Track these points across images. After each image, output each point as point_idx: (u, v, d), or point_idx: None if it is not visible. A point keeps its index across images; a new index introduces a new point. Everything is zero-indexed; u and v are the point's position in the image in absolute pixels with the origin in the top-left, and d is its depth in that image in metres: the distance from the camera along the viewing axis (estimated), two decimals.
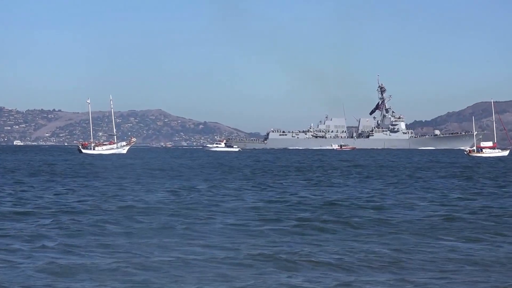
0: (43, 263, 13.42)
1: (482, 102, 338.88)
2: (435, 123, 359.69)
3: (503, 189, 34.33)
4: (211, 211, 22.57)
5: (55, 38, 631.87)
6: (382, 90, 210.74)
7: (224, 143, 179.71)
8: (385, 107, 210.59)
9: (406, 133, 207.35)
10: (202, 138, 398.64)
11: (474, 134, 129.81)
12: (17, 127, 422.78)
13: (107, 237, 16.77)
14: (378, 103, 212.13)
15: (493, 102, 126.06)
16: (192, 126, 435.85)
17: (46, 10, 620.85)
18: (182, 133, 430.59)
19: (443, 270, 13.23)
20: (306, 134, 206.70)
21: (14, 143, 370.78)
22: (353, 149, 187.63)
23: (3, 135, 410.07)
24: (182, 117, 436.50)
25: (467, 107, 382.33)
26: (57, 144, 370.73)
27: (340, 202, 26.15)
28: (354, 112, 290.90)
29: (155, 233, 17.46)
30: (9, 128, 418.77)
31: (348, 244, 16.17)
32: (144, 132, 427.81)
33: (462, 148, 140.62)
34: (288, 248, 15.39)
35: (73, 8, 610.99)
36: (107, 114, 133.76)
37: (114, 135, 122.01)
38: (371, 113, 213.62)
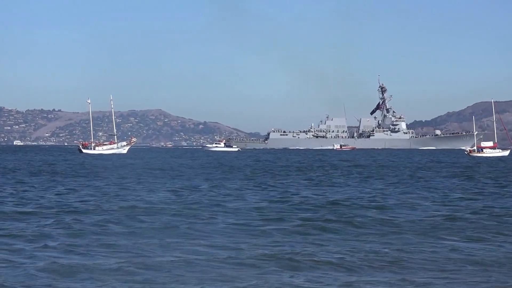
0: (45, 263, 13.42)
1: (482, 102, 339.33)
2: (435, 123, 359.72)
3: (505, 189, 34.33)
4: (213, 211, 22.57)
5: (55, 38, 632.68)
6: (382, 90, 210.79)
7: (224, 143, 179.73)
8: (386, 107, 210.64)
9: (407, 133, 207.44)
10: (202, 138, 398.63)
11: (475, 134, 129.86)
12: (17, 127, 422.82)
13: (109, 237, 16.77)
14: (379, 103, 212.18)
15: (493, 102, 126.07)
16: (192, 126, 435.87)
17: (46, 10, 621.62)
18: (182, 133, 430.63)
19: (445, 270, 13.24)
20: (307, 134, 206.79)
21: (14, 143, 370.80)
22: (353, 149, 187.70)
23: (3, 135, 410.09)
24: (182, 117, 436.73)
25: (467, 107, 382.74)
26: (57, 144, 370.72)
27: (342, 202, 26.14)
28: (355, 112, 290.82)
29: (157, 233, 17.46)
30: (9, 128, 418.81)
31: (350, 243, 16.19)
32: (144, 132, 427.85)
33: (462, 148, 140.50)
34: (290, 248, 15.39)
35: (73, 8, 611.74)
36: (107, 114, 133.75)
37: (114, 135, 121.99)
38: (371, 113, 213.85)
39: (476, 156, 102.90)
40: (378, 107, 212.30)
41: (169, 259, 13.82)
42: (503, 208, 24.28)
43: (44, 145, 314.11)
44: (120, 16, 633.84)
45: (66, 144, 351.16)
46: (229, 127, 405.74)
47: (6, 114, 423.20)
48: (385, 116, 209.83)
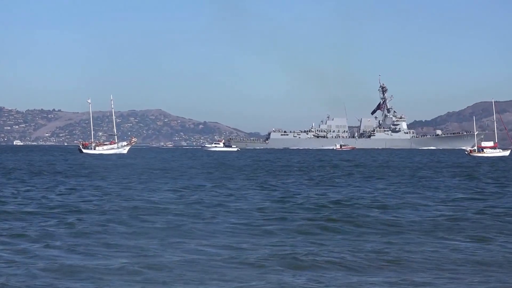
0: (47, 262, 13.43)
1: (482, 102, 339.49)
2: (435, 123, 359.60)
3: (506, 189, 34.33)
4: (215, 211, 22.58)
5: (55, 38, 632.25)
6: (383, 90, 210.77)
7: (223, 143, 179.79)
8: (387, 107, 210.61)
9: (407, 133, 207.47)
10: (202, 138, 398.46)
11: (475, 134, 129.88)
12: (17, 127, 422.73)
13: (111, 237, 16.78)
14: (380, 103, 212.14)
15: (494, 102, 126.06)
16: (192, 126, 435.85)
17: (46, 10, 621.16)
18: (182, 133, 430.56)
19: (445, 270, 13.27)
20: (307, 134, 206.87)
21: (14, 143, 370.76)
22: (353, 148, 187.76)
23: (3, 135, 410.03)
24: (182, 117, 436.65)
25: (467, 107, 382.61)
26: (57, 144, 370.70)
27: (344, 202, 26.14)
28: (355, 112, 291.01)
29: (160, 233, 17.46)
30: (9, 128, 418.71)
31: (351, 243, 16.21)
32: (144, 132, 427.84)
33: (463, 148, 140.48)
34: (292, 247, 15.43)
35: (73, 8, 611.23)
36: (107, 114, 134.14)
37: (114, 135, 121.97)
38: (372, 113, 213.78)
39: (477, 156, 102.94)
40: (378, 107, 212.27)
41: (171, 259, 13.84)
42: (504, 208, 24.30)
43: (44, 145, 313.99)
44: (120, 16, 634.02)
45: (66, 144, 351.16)
46: (229, 127, 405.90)
47: (6, 114, 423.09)
48: (385, 116, 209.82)
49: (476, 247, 15.78)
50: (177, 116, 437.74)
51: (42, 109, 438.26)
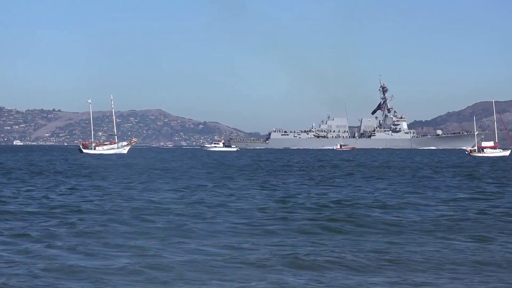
0: (49, 262, 13.42)
1: (482, 102, 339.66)
2: (435, 123, 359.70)
3: (506, 189, 34.33)
4: (216, 211, 22.58)
5: (55, 38, 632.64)
6: (384, 90, 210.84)
7: (222, 143, 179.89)
8: (387, 107, 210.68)
9: (408, 133, 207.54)
10: (202, 138, 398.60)
11: (476, 134, 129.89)
12: (17, 127, 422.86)
13: (113, 237, 16.77)
14: (380, 103, 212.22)
15: (494, 102, 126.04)
16: (192, 126, 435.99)
17: (46, 10, 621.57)
18: (182, 133, 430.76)
19: (447, 270, 13.28)
20: (308, 134, 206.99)
21: (14, 143, 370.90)
22: (353, 148, 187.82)
23: (2, 135, 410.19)
24: (182, 117, 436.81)
25: (467, 107, 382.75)
26: (57, 144, 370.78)
27: (344, 202, 26.14)
28: (356, 112, 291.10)
29: (161, 233, 17.47)
30: (9, 128, 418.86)
31: (352, 243, 16.24)
32: (144, 132, 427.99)
33: (463, 148, 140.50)
34: (292, 247, 15.43)
35: (73, 8, 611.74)
36: (107, 114, 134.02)
37: (114, 135, 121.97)
38: (373, 113, 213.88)
39: (477, 156, 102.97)
40: (379, 107, 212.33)
41: (172, 259, 13.85)
42: (505, 208, 24.31)
43: (44, 145, 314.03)
44: (120, 16, 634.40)
45: (66, 144, 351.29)
46: (229, 127, 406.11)
47: (6, 114, 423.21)
48: (386, 116, 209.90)
49: (477, 247, 15.79)
50: (177, 116, 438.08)
51: (42, 109, 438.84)
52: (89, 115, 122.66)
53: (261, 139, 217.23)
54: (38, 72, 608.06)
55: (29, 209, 22.69)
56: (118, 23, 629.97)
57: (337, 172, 52.94)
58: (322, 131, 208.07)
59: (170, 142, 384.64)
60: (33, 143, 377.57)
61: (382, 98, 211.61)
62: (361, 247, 15.54)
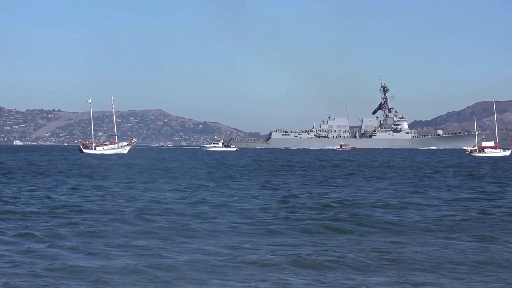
0: (51, 262, 13.42)
1: (482, 102, 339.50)
2: (435, 123, 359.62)
3: (507, 189, 34.36)
4: (218, 210, 22.60)
5: (55, 38, 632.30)
6: (384, 90, 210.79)
7: (222, 143, 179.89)
8: (388, 107, 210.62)
9: (409, 133, 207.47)
10: (202, 138, 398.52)
11: (476, 134, 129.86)
12: (16, 127, 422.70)
13: (115, 237, 16.78)
14: (381, 103, 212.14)
15: (494, 101, 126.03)
16: (191, 126, 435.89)
17: (46, 10, 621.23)
18: (182, 133, 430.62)
19: (447, 269, 13.30)
20: (308, 134, 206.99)
21: (14, 143, 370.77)
22: (353, 148, 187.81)
23: (2, 135, 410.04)
24: (182, 117, 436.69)
25: (467, 107, 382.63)
26: (57, 144, 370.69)
27: (346, 201, 26.16)
28: (356, 112, 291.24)
29: (163, 232, 17.47)
30: (9, 128, 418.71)
31: (353, 242, 16.26)
32: (144, 132, 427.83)
33: (464, 148, 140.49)
34: (294, 247, 15.45)
35: (73, 8, 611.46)
36: (108, 114, 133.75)
37: (114, 135, 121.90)
38: (373, 113, 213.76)
39: (478, 156, 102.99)
40: (380, 107, 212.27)
41: (174, 259, 13.87)
42: (505, 208, 24.34)
43: (44, 145, 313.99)
44: (120, 16, 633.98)
45: (66, 144, 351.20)
46: (229, 127, 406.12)
47: (6, 114, 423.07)
48: (387, 116, 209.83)
49: (477, 246, 15.81)
50: (177, 116, 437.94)
51: (42, 109, 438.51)
52: (89, 115, 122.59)
53: (262, 139, 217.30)
54: (38, 72, 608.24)
55: (32, 209, 22.71)
56: (118, 23, 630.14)
57: (338, 172, 52.95)
58: (323, 131, 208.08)
59: (170, 142, 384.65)
60: (33, 143, 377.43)
61: (382, 98, 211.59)
62: (363, 246, 15.57)
